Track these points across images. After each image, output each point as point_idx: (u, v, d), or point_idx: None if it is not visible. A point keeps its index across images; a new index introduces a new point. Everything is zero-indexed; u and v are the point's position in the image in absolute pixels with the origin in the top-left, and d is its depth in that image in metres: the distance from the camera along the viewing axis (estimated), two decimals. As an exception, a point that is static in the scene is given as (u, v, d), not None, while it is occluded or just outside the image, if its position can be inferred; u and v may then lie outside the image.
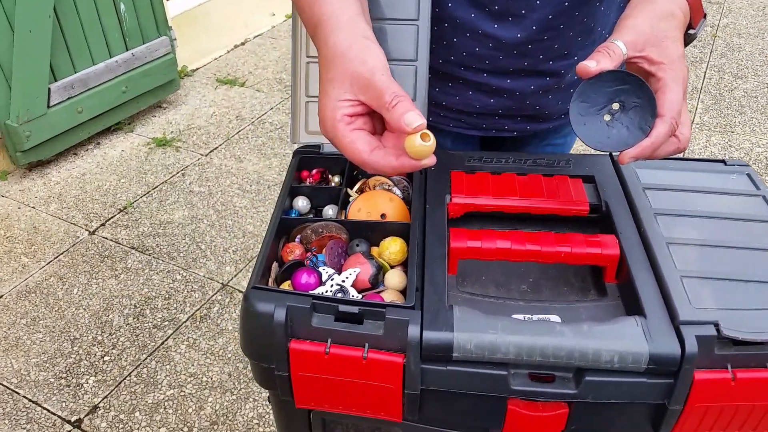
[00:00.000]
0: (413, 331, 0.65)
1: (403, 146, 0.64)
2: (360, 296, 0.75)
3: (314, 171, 0.93)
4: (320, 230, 0.81)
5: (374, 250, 0.83)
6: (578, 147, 2.42)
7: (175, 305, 1.99)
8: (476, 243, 0.76)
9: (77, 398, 1.70)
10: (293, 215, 0.87)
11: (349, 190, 0.90)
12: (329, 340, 0.68)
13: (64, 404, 1.68)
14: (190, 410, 1.67)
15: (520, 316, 0.73)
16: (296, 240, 0.83)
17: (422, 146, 0.63)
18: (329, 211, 0.88)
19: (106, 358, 1.82)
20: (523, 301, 0.78)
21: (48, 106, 2.54)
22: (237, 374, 1.76)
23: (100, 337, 1.89)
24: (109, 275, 2.12)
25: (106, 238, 2.28)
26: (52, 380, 1.75)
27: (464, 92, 0.98)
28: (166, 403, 1.68)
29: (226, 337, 1.88)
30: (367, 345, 0.67)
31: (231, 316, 1.95)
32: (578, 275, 0.82)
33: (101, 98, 2.74)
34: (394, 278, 0.78)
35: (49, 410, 1.67)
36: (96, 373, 1.77)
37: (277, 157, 2.72)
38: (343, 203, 0.87)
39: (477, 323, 0.67)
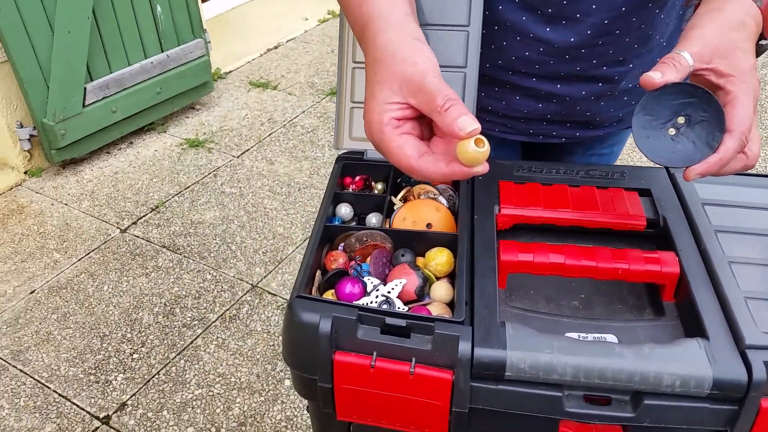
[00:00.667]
0: (464, 347, 0.63)
1: (454, 152, 0.61)
2: (406, 308, 0.72)
3: (357, 178, 0.91)
4: (365, 239, 0.79)
5: (419, 261, 0.80)
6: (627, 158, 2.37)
7: (204, 305, 1.99)
8: (528, 256, 0.73)
9: (106, 395, 1.70)
10: (336, 222, 0.85)
11: (393, 198, 0.87)
12: (375, 353, 0.65)
13: (93, 400, 1.69)
14: (217, 410, 1.66)
15: (575, 335, 0.70)
16: (339, 248, 0.81)
17: (476, 152, 0.60)
18: (373, 219, 0.86)
19: (135, 355, 1.82)
20: (576, 318, 0.75)
21: (83, 106, 2.56)
22: (265, 375, 1.75)
23: (129, 335, 1.89)
24: (140, 273, 2.12)
25: (137, 237, 2.29)
26: (81, 376, 1.75)
27: (511, 97, 0.96)
28: (194, 403, 1.67)
29: (255, 338, 1.87)
30: (414, 360, 0.65)
31: (260, 317, 1.94)
32: (633, 292, 0.79)
33: (136, 98, 2.75)
34: (441, 290, 0.76)
35: (78, 405, 1.67)
36: (125, 370, 1.77)
37: (308, 160, 2.71)
38: (388, 211, 0.85)
39: (531, 341, 0.64)
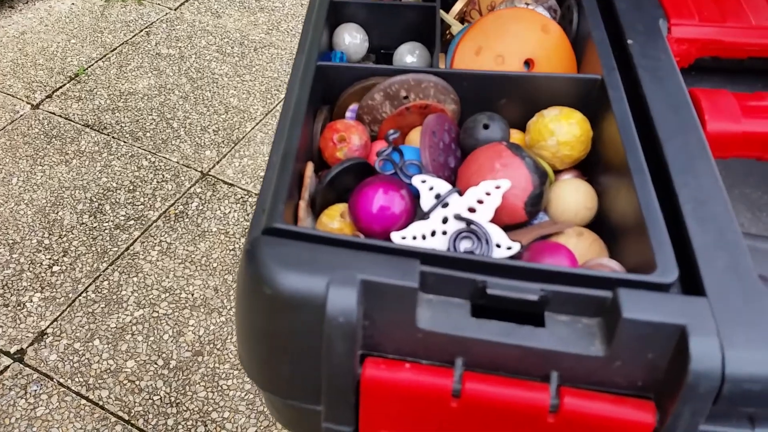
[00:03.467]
0: (703, 350, 0.25)
1: None
2: (518, 247, 0.33)
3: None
4: (402, 94, 0.38)
5: (515, 137, 0.40)
6: None
7: (142, 199, 1.57)
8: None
9: (18, 322, 1.32)
10: (337, 61, 0.43)
11: (444, 14, 0.45)
12: (460, 363, 0.27)
13: (0, 330, 1.30)
14: (165, 336, 1.30)
15: None
16: (349, 114, 0.40)
17: None
18: (408, 56, 0.44)
19: (55, 268, 1.42)
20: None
21: (-34, -59, 1.97)
22: (225, 289, 1.38)
23: (47, 241, 1.48)
24: (58, 161, 1.67)
25: (53, 114, 1.81)
26: (-15, 298, 1.36)
27: None
28: (133, 328, 1.31)
29: (210, 240, 1.48)
30: (557, 377, 0.27)
31: (214, 214, 1.54)
32: None
33: (39, -66, 2.16)
34: (575, 196, 0.36)
35: (-18, 337, 1.29)
36: (42, 288, 1.38)
37: (264, 11, 2.19)
38: (442, 42, 0.43)
39: None
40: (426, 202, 0.34)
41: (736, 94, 0.37)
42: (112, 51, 2.04)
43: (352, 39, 0.43)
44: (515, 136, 0.39)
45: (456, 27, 0.44)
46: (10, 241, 1.48)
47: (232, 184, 1.62)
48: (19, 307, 1.35)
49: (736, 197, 0.42)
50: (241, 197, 1.59)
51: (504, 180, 0.34)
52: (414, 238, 0.33)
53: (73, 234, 1.49)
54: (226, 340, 1.30)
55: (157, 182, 1.61)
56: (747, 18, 0.41)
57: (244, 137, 1.74)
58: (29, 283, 1.39)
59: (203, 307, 1.35)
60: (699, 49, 0.41)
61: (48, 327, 1.31)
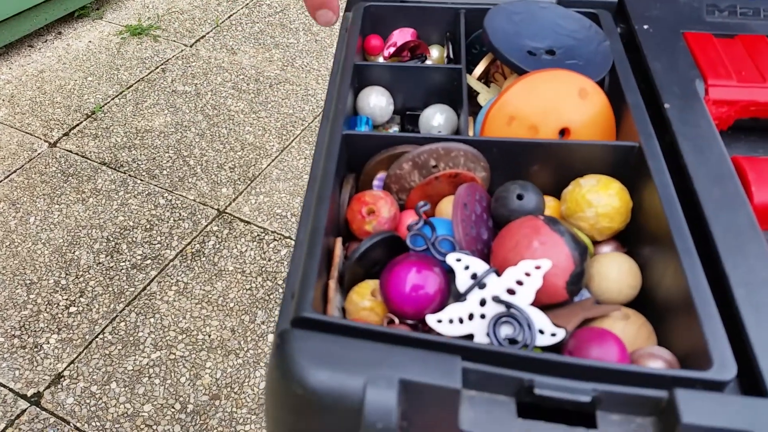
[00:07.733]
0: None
1: None
2: (562, 333, 0.31)
3: (394, 35, 0.47)
4: (431, 163, 0.37)
5: (549, 204, 0.38)
6: None
7: (158, 238, 1.56)
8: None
9: (35, 364, 1.31)
10: (362, 128, 0.42)
11: (470, 78, 0.44)
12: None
13: (18, 372, 1.29)
14: (182, 379, 1.28)
15: None
16: (376, 184, 0.39)
17: None
18: (435, 119, 0.43)
19: (72, 309, 1.41)
20: None
21: (-14, -16, 2.01)
22: (242, 329, 1.37)
23: (63, 281, 1.47)
24: (75, 199, 1.68)
25: (70, 152, 1.82)
26: (1, 340, 1.35)
27: None
28: (150, 371, 1.29)
29: (227, 279, 1.47)
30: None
31: (231, 253, 1.53)
32: None
33: (58, -25, 2.20)
34: (617, 274, 0.35)
35: (-1, 381, 1.28)
36: (59, 329, 1.37)
37: (279, 48, 2.21)
38: (470, 105, 0.42)
39: None
40: (462, 282, 0.32)
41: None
42: (128, 88, 2.06)
43: (377, 102, 0.42)
44: (549, 203, 0.38)
45: (483, 95, 0.43)
46: (28, 282, 1.48)
47: (248, 222, 1.61)
48: (36, 349, 1.34)
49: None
50: (258, 235, 1.58)
51: (545, 260, 0.32)
52: (451, 321, 0.31)
53: (89, 274, 1.49)
54: (243, 383, 1.28)
55: (174, 221, 1.61)
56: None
57: (260, 174, 1.74)
58: (46, 325, 1.39)
59: (220, 349, 1.34)
60: (738, 111, 0.39)
61: (65, 369, 1.30)
